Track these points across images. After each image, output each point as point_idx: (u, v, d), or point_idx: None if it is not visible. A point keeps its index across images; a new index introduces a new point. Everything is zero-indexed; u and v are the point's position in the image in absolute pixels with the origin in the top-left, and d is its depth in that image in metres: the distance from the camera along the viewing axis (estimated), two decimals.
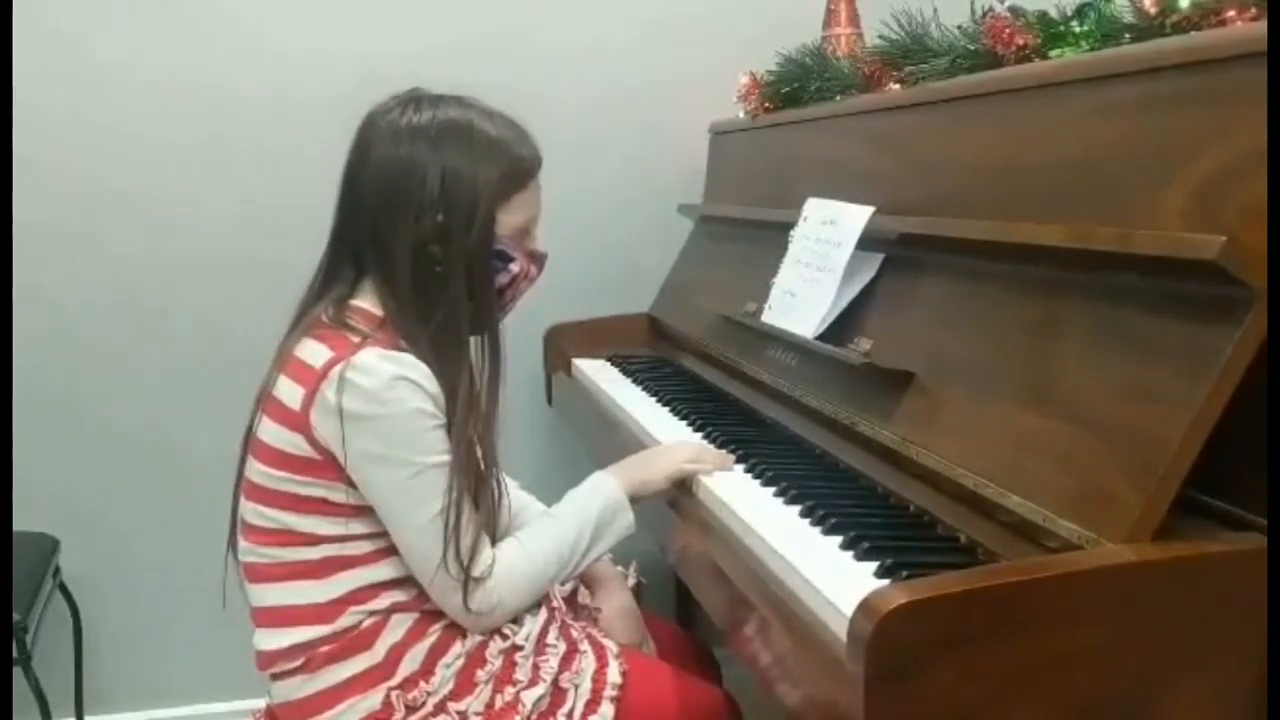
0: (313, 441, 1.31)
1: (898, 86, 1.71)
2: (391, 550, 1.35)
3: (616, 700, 1.38)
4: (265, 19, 2.29)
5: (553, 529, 1.43)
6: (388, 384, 1.29)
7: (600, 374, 2.20)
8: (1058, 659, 0.94)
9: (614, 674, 1.40)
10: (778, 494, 1.40)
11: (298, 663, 1.35)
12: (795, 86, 2.07)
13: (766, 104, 2.17)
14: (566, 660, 1.40)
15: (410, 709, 1.33)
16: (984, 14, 1.51)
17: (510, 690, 1.36)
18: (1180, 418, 0.98)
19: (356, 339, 1.33)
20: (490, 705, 1.35)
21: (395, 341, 1.34)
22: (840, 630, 1.00)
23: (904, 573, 1.10)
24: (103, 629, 2.31)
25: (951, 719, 0.92)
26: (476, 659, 1.37)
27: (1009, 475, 1.14)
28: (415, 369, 1.31)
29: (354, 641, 1.34)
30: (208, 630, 2.27)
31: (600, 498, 1.45)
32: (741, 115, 2.27)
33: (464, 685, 1.35)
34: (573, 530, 1.42)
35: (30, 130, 2.18)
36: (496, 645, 1.38)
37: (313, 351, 1.34)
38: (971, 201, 1.43)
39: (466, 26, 2.36)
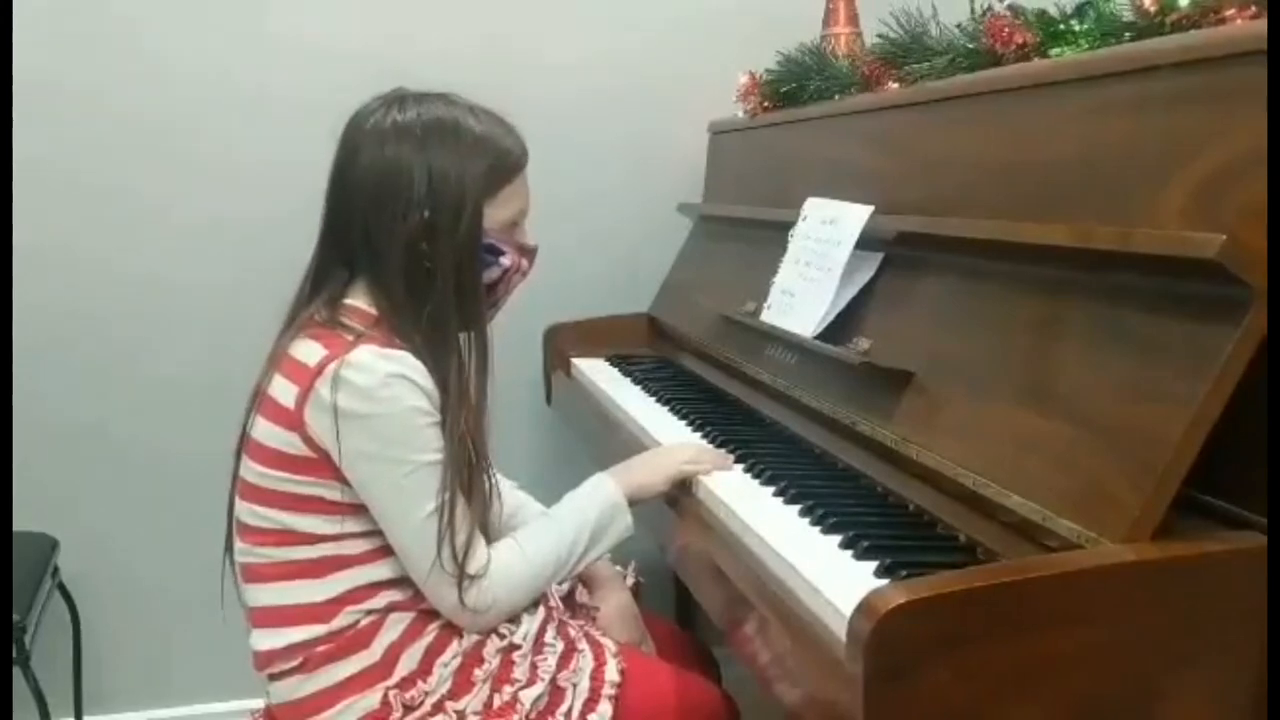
0: (307, 439, 1.31)
1: (897, 86, 1.70)
2: (388, 550, 1.35)
3: (615, 699, 1.38)
4: (261, 22, 2.29)
5: (551, 530, 1.43)
6: (383, 382, 1.29)
7: (599, 374, 2.20)
8: (1057, 658, 0.94)
9: (612, 673, 1.40)
10: (777, 493, 1.40)
11: (295, 663, 1.35)
12: (794, 86, 2.07)
13: (765, 103, 2.17)
14: (564, 659, 1.40)
15: (408, 708, 1.33)
16: (983, 13, 1.51)
17: (508, 689, 1.36)
18: (1180, 417, 0.98)
19: (350, 337, 1.33)
20: (488, 704, 1.35)
21: (390, 339, 1.34)
22: (839, 629, 1.00)
23: (903, 572, 1.10)
24: (102, 629, 2.31)
25: (951, 718, 0.92)
26: (474, 658, 1.36)
27: (1008, 474, 1.14)
28: (411, 367, 1.31)
29: (351, 641, 1.34)
30: (206, 630, 2.26)
31: (599, 500, 1.45)
32: (741, 114, 2.26)
33: (462, 684, 1.35)
34: (570, 531, 1.42)
35: (29, 130, 2.18)
36: (494, 644, 1.38)
37: (307, 350, 1.34)
38: (971, 201, 1.43)
39: (466, 26, 2.35)
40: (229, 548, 1.43)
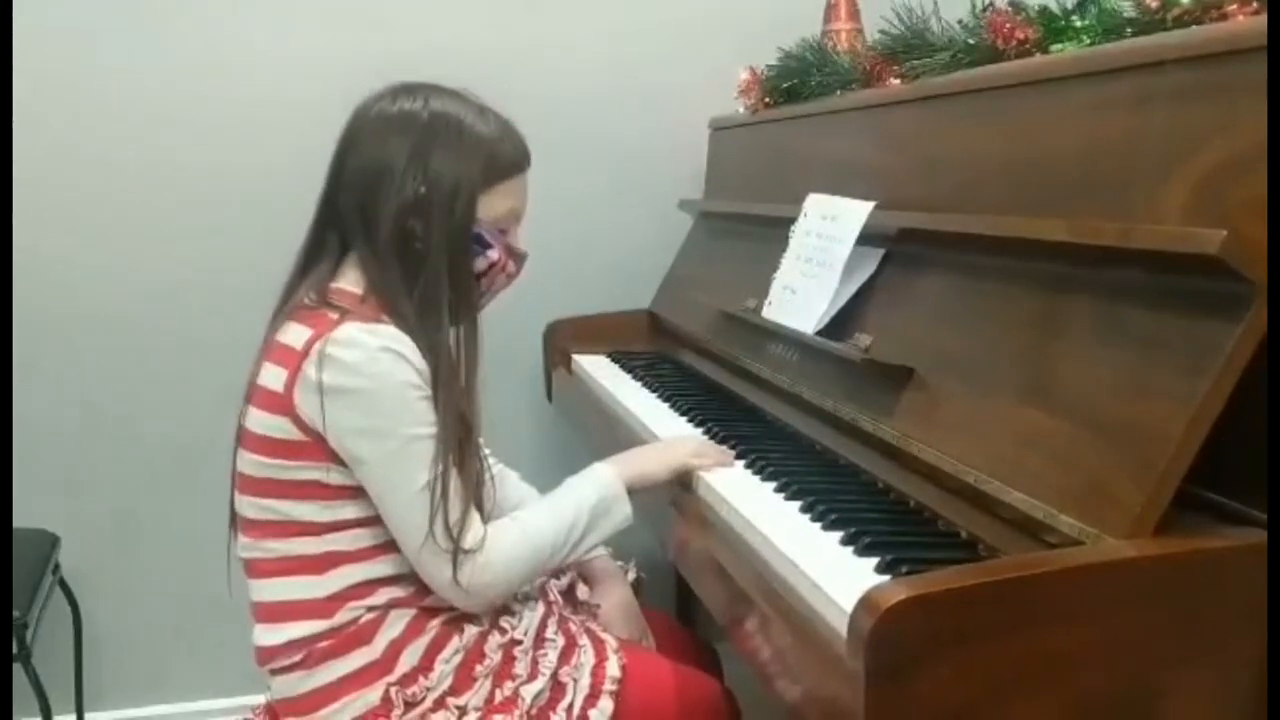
0: (298, 422, 1.31)
1: (898, 82, 1.70)
2: (387, 546, 1.35)
3: (616, 694, 1.38)
4: (260, 24, 2.29)
5: (548, 511, 1.43)
6: (372, 356, 1.29)
7: (600, 370, 2.20)
8: (1059, 654, 0.93)
9: (613, 668, 1.40)
10: (778, 489, 1.40)
11: (297, 658, 1.35)
12: (795, 82, 2.06)
13: (767, 99, 2.17)
14: (565, 655, 1.40)
15: (409, 704, 1.33)
16: (984, 8, 1.51)
17: (509, 685, 1.36)
18: (1181, 413, 0.98)
19: (336, 315, 1.33)
20: (489, 700, 1.35)
21: (377, 315, 1.34)
22: (840, 626, 1.00)
23: (904, 568, 1.10)
24: (102, 625, 2.31)
25: (952, 715, 0.92)
26: (475, 654, 1.37)
27: (1010, 471, 1.14)
28: (398, 340, 1.31)
29: (353, 637, 1.34)
30: (207, 626, 2.28)
31: (598, 486, 1.45)
32: (742, 111, 2.26)
33: (463, 680, 1.35)
34: (569, 515, 1.42)
35: (29, 130, 2.18)
36: (495, 640, 1.38)
37: (293, 334, 1.34)
38: (972, 197, 1.43)
39: (466, 24, 2.35)
40: (231, 540, 1.42)
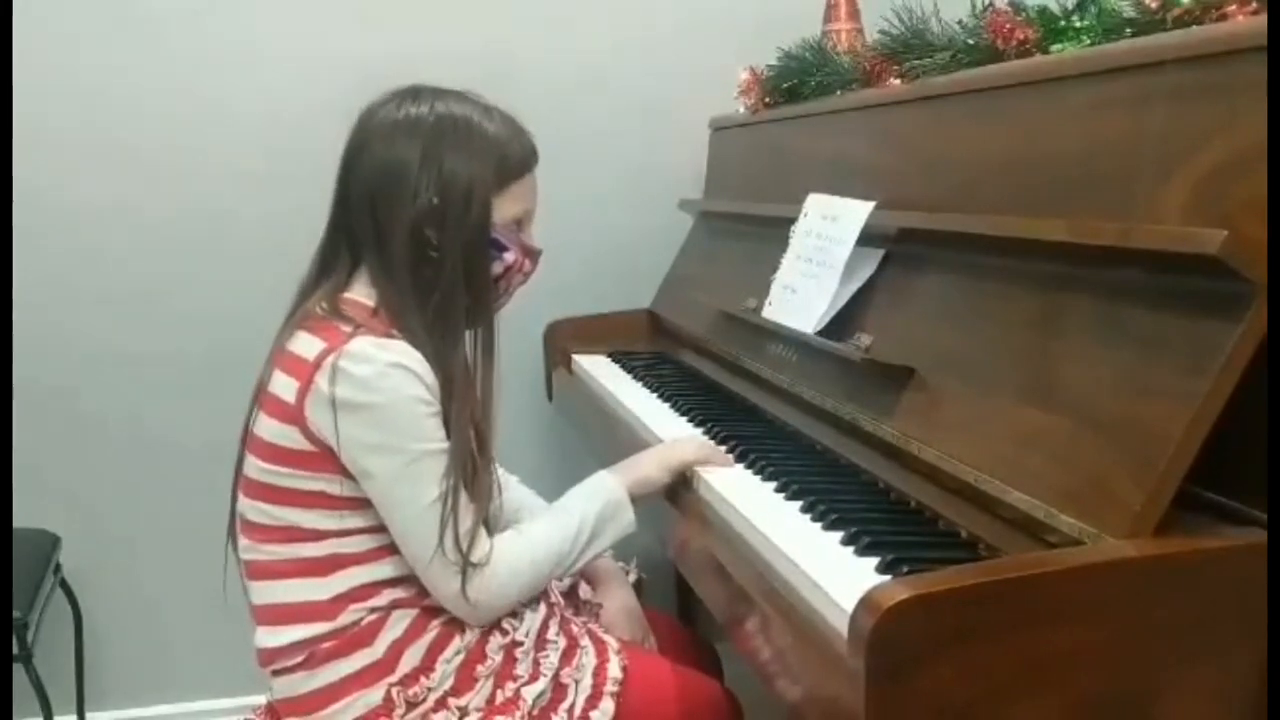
0: (308, 434, 1.31)
1: (898, 82, 1.70)
2: (391, 548, 1.35)
3: (617, 696, 1.38)
4: (260, 26, 2.29)
5: (553, 523, 1.43)
6: (381, 371, 1.29)
7: (600, 370, 2.20)
8: (1059, 654, 0.93)
9: (615, 669, 1.40)
10: (778, 490, 1.40)
11: (299, 659, 1.35)
12: (795, 82, 2.06)
13: (767, 99, 2.17)
14: (567, 656, 1.40)
15: (411, 705, 1.33)
16: (984, 8, 1.51)
17: (511, 686, 1.36)
18: (1181, 413, 0.98)
19: (348, 329, 1.33)
20: (491, 701, 1.35)
21: (388, 330, 1.34)
22: (841, 626, 1.00)
23: (905, 568, 1.10)
24: (103, 626, 2.31)
25: (953, 715, 0.92)
26: (476, 654, 1.37)
27: (1010, 470, 1.14)
28: (408, 355, 1.31)
29: (355, 638, 1.34)
30: (208, 627, 2.27)
31: (601, 496, 1.45)
32: (742, 111, 2.26)
33: (464, 681, 1.35)
34: (573, 526, 1.42)
35: (29, 130, 2.18)
36: (496, 641, 1.38)
37: (305, 344, 1.34)
38: (973, 197, 1.43)
39: (466, 23, 2.35)
40: (231, 543, 1.43)
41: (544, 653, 1.40)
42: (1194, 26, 1.15)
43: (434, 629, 1.36)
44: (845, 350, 1.51)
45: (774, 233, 1.82)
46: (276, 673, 1.39)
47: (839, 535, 1.22)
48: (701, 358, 2.09)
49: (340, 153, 1.41)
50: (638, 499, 1.47)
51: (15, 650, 1.85)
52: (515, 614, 1.41)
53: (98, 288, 2.28)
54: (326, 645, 1.34)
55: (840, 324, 1.58)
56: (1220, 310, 0.99)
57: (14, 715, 1.95)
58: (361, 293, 1.39)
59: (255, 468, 1.36)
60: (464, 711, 1.34)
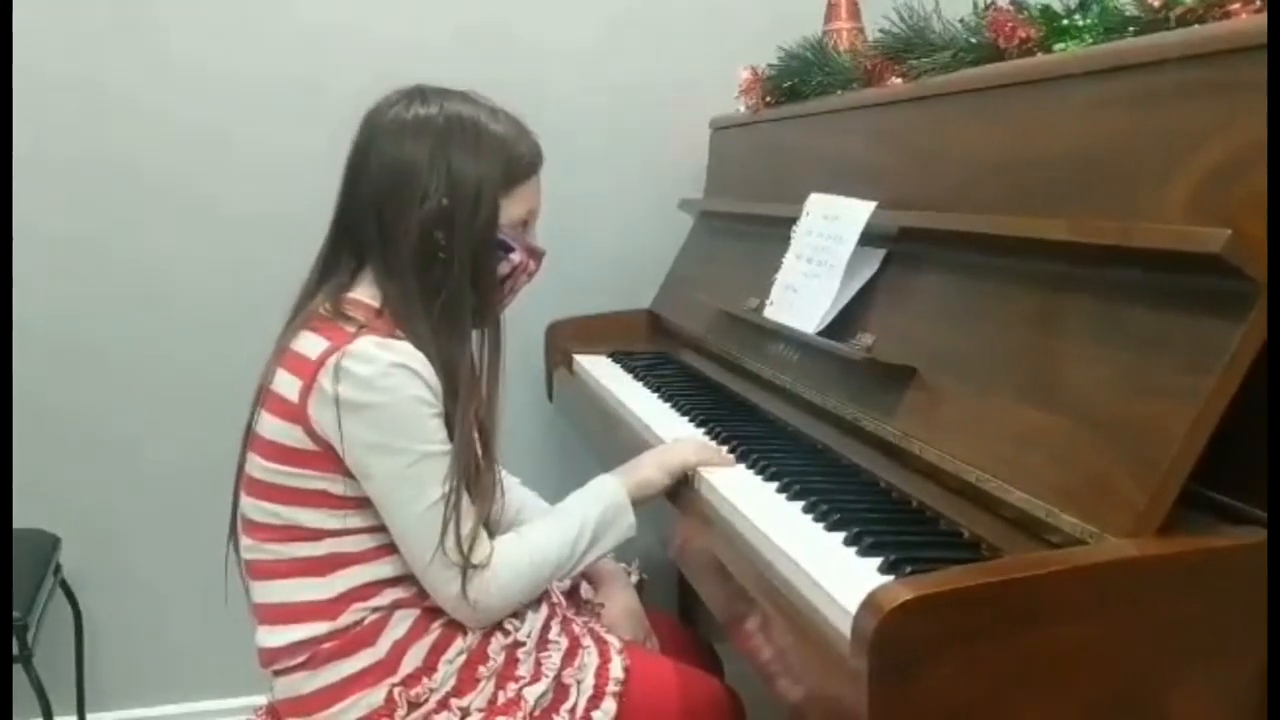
0: (311, 433, 1.31)
1: (899, 81, 1.70)
2: (392, 548, 1.35)
3: (619, 696, 1.38)
4: (261, 16, 2.29)
5: (554, 526, 1.43)
6: (384, 371, 1.29)
7: (601, 370, 2.20)
8: (1062, 654, 0.93)
9: (617, 669, 1.40)
10: (780, 490, 1.39)
11: (300, 659, 1.35)
12: (796, 81, 2.06)
13: (768, 99, 2.17)
14: (569, 656, 1.40)
15: (413, 705, 1.33)
16: (986, 7, 1.51)
17: (512, 686, 1.36)
18: (1184, 412, 0.98)
19: (352, 329, 1.33)
20: (493, 701, 1.35)
21: (391, 330, 1.34)
22: (843, 626, 0.99)
23: (907, 568, 1.09)
24: (104, 626, 2.31)
25: (955, 715, 0.92)
26: (478, 655, 1.36)
27: (1012, 470, 1.14)
28: (412, 356, 1.31)
29: (357, 638, 1.34)
30: (209, 627, 2.27)
31: (602, 499, 1.45)
32: (742, 110, 2.26)
33: (466, 681, 1.35)
34: (574, 529, 1.42)
35: (27, 128, 2.17)
36: (498, 641, 1.38)
37: (309, 343, 1.34)
38: (974, 196, 1.43)
39: (466, 21, 2.35)
40: (233, 542, 1.42)
41: (546, 653, 1.39)
42: (1197, 25, 1.14)
43: (436, 629, 1.36)
44: (847, 350, 1.51)
45: (775, 232, 1.82)
46: (278, 673, 1.38)
47: (841, 535, 1.22)
48: (703, 358, 2.09)
49: (344, 152, 1.41)
50: (639, 502, 1.47)
51: (15, 651, 1.85)
52: (517, 614, 1.41)
53: (97, 288, 2.27)
54: (328, 645, 1.34)
55: (842, 324, 1.58)
56: (1223, 309, 0.99)
57: (14, 716, 1.95)
58: (366, 293, 1.38)
59: (257, 466, 1.36)
60: (466, 712, 1.34)
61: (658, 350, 2.29)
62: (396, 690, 1.33)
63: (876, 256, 1.58)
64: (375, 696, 1.33)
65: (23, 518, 2.05)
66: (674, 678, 1.46)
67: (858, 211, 1.60)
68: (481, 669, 1.36)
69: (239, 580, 1.42)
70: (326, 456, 1.32)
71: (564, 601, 1.52)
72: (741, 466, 1.51)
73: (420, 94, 1.40)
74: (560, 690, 1.37)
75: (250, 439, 1.38)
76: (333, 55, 2.27)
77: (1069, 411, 1.11)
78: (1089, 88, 1.25)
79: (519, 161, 1.40)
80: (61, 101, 2.22)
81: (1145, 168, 1.14)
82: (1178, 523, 0.98)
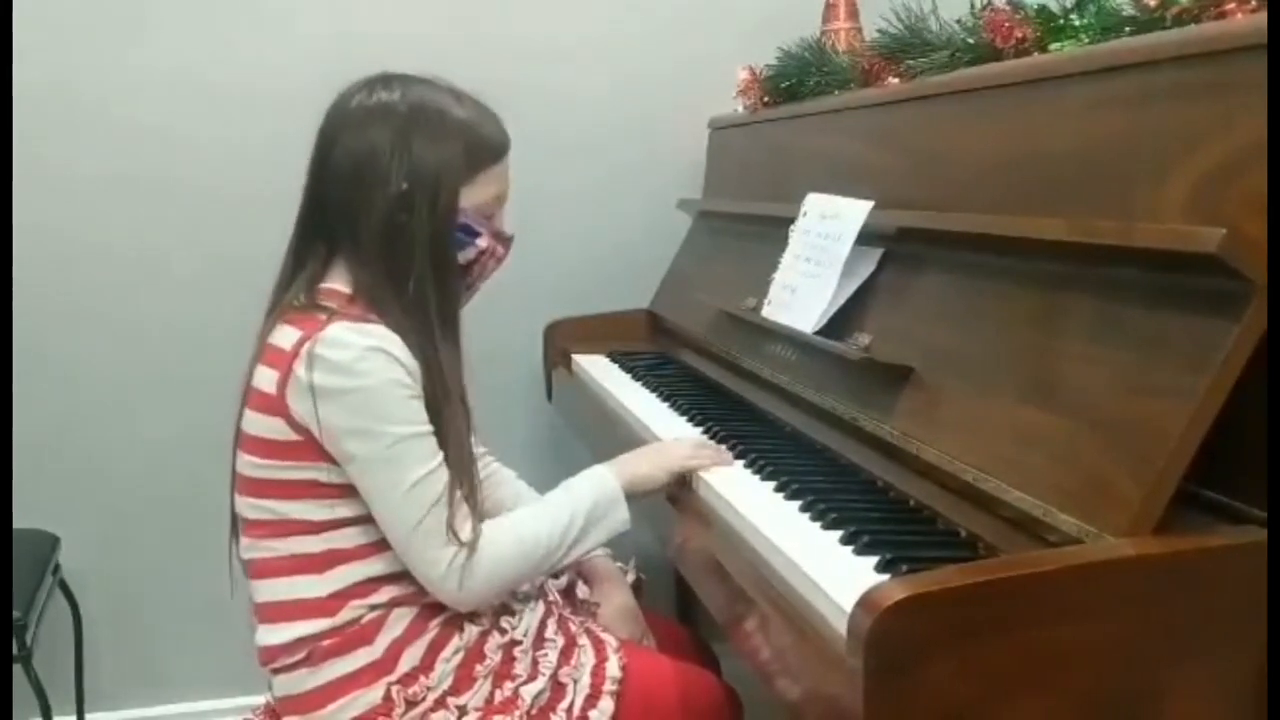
0: (292, 423, 1.31)
1: (897, 81, 1.70)
2: (387, 544, 1.35)
3: (616, 695, 1.38)
4: (264, 17, 2.29)
5: (544, 513, 1.43)
6: (359, 355, 1.29)
7: (600, 370, 2.20)
8: (1058, 653, 0.93)
9: (613, 668, 1.40)
10: (778, 489, 1.40)
11: (300, 656, 1.35)
12: (794, 81, 2.06)
13: (765, 99, 2.17)
14: (565, 655, 1.40)
15: (410, 704, 1.33)
16: (983, 7, 1.51)
17: (509, 685, 1.36)
18: (1180, 411, 0.98)
19: (324, 316, 1.33)
20: (490, 700, 1.35)
21: (365, 315, 1.34)
22: (840, 625, 1.00)
23: (904, 567, 1.10)
24: (103, 626, 2.31)
25: (952, 714, 0.92)
26: (475, 654, 1.37)
27: (1009, 469, 1.14)
28: (386, 339, 1.31)
29: (355, 636, 1.34)
30: (208, 626, 2.28)
31: (595, 489, 1.45)
32: (740, 110, 2.26)
33: (463, 680, 1.35)
34: (565, 517, 1.41)
35: (22, 127, 2.17)
36: (495, 640, 1.38)
37: (284, 335, 1.34)
38: (971, 196, 1.43)
39: (464, 20, 2.35)
40: (233, 542, 1.42)
41: (542, 652, 1.40)
42: (1193, 24, 1.14)
43: (434, 628, 1.36)
44: (844, 349, 1.51)
45: (773, 232, 1.82)
46: (277, 671, 1.39)
47: (838, 534, 1.22)
48: (701, 357, 2.09)
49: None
50: (633, 496, 1.46)
51: (14, 650, 1.85)
52: (513, 613, 1.41)
53: (97, 289, 2.27)
54: (326, 643, 1.34)
55: (839, 323, 1.58)
56: (1219, 309, 0.99)
57: (13, 715, 1.95)
58: (338, 280, 1.39)
59: (248, 464, 1.37)
60: (463, 711, 1.34)
61: (656, 350, 2.29)
62: (394, 689, 1.33)
63: (874, 256, 1.58)
64: (373, 695, 1.33)
65: (22, 518, 2.05)
66: (672, 676, 1.46)
67: (855, 211, 1.60)
68: (478, 668, 1.36)
69: (237, 581, 1.42)
70: (309, 445, 1.32)
71: (561, 600, 1.52)
72: (739, 465, 1.51)
73: (383, 80, 1.40)
74: (557, 689, 1.37)
75: (239, 438, 1.38)
76: (314, 49, 2.26)
77: (1065, 411, 1.11)
78: (1086, 87, 1.25)
79: (483, 145, 1.40)
80: (54, 92, 2.21)
81: (1142, 167, 1.14)
82: (1174, 522, 0.98)
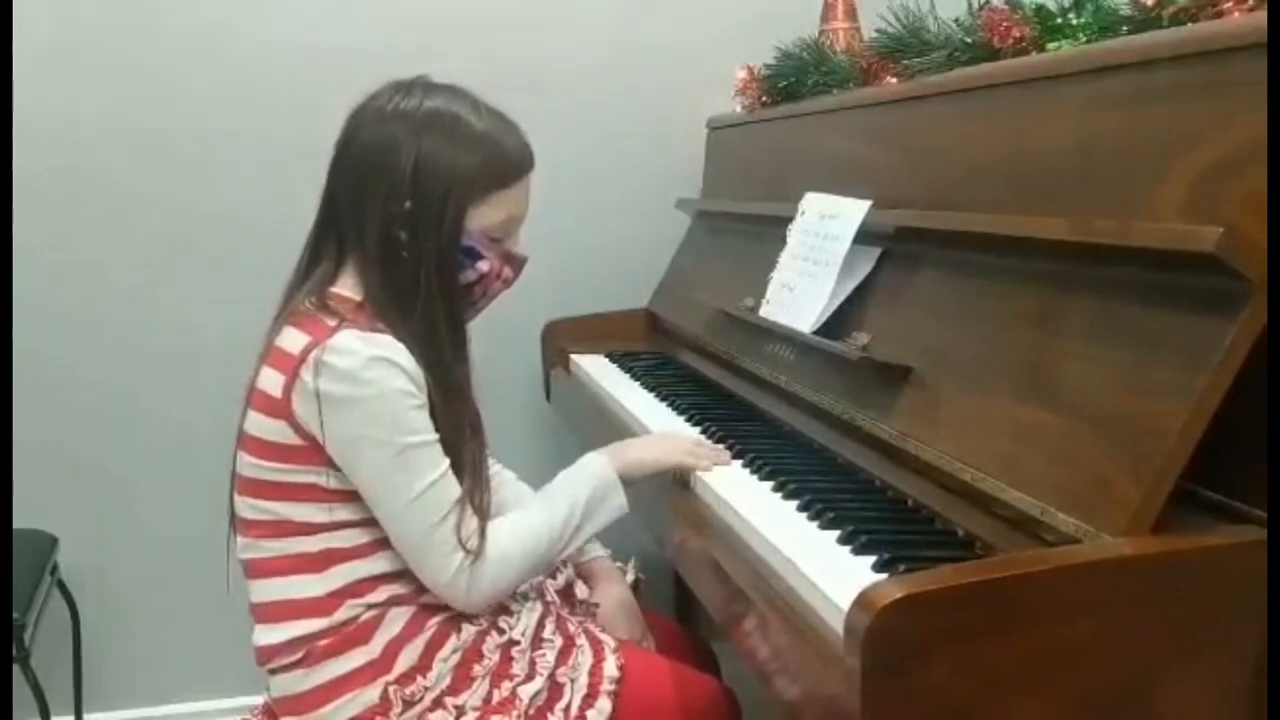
0: (295, 427, 1.31)
1: (895, 80, 1.70)
2: (385, 543, 1.35)
3: (614, 694, 1.38)
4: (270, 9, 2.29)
5: (543, 507, 1.43)
6: (365, 364, 1.29)
7: (599, 370, 2.20)
8: (1056, 652, 0.93)
9: (611, 668, 1.40)
10: (776, 489, 1.40)
11: (296, 656, 1.35)
12: (793, 81, 2.06)
13: (764, 98, 2.17)
14: (563, 655, 1.40)
15: (408, 703, 1.33)
16: (981, 7, 1.51)
17: (507, 685, 1.36)
18: (1178, 410, 0.98)
19: (333, 322, 1.33)
20: (487, 700, 1.35)
21: (373, 323, 1.34)
22: (837, 624, 1.00)
23: (902, 566, 1.10)
24: (101, 626, 2.31)
25: (949, 713, 0.92)
26: (473, 653, 1.37)
27: (1007, 469, 1.14)
28: (393, 349, 1.31)
29: (352, 636, 1.34)
30: (206, 627, 2.28)
31: (591, 477, 1.45)
32: (739, 110, 2.26)
33: (461, 680, 1.35)
34: (563, 508, 1.42)
35: (28, 129, 2.17)
36: (493, 640, 1.38)
37: (291, 339, 1.34)
38: (969, 195, 1.43)
39: (462, 18, 2.35)
40: (230, 541, 1.42)
41: (540, 652, 1.39)
42: (1190, 24, 1.15)
43: (431, 627, 1.36)
44: (842, 349, 1.51)
45: (771, 232, 1.82)
46: (274, 670, 1.38)
47: (836, 534, 1.22)
48: (699, 357, 2.09)
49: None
50: (628, 481, 1.46)
51: (13, 651, 1.85)
52: (511, 613, 1.41)
53: (98, 289, 2.27)
54: (323, 643, 1.34)
55: (837, 323, 1.58)
56: (1216, 307, 0.99)
57: (12, 716, 1.95)
58: (348, 286, 1.38)
59: (248, 465, 1.36)
60: (461, 710, 1.34)
61: (655, 350, 2.29)
62: (391, 688, 1.33)
63: (872, 255, 1.58)
64: (370, 695, 1.33)
65: (21, 518, 2.05)
66: (670, 677, 1.46)
67: (853, 210, 1.60)
68: (476, 667, 1.36)
69: (235, 581, 1.42)
70: (312, 450, 1.31)
71: (559, 600, 1.52)
72: (738, 465, 1.51)
73: (408, 86, 1.39)
74: (555, 689, 1.37)
75: (241, 438, 1.38)
76: (321, 50, 2.26)
77: (1063, 410, 1.11)
78: (1083, 87, 1.25)
79: (500, 162, 1.38)
80: (66, 85, 2.21)
81: (1139, 166, 1.14)
82: (1173, 521, 0.98)
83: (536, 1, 2.41)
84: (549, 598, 1.50)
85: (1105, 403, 1.07)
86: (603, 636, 1.46)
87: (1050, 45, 1.37)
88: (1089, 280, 1.16)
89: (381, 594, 1.35)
